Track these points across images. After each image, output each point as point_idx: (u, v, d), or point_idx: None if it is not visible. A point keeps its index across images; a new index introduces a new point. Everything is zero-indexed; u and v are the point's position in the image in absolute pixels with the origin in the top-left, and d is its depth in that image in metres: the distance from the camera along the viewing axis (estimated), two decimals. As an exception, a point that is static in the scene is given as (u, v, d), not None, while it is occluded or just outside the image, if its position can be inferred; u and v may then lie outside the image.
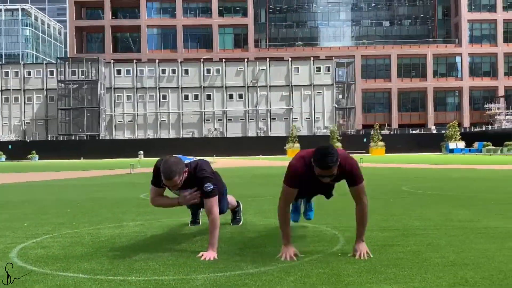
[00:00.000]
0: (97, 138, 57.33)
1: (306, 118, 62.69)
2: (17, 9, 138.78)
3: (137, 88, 61.73)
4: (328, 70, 62.88)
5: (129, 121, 61.63)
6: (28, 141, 52.64)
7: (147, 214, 6.26)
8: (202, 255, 3.69)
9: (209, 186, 3.91)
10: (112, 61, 63.90)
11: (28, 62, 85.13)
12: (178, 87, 61.95)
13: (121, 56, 70.92)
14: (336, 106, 63.39)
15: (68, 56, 75.50)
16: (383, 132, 55.38)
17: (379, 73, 74.60)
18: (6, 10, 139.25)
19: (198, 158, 4.19)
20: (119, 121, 61.65)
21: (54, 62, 70.85)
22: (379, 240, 4.29)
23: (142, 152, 47.51)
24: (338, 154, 3.52)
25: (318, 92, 62.62)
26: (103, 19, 73.39)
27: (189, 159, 4.07)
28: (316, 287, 2.88)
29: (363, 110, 74.28)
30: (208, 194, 3.91)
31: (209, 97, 62.25)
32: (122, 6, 75.75)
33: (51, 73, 60.80)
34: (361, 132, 62.85)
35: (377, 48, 74.34)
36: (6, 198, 9.11)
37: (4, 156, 45.68)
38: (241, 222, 5.32)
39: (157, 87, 61.72)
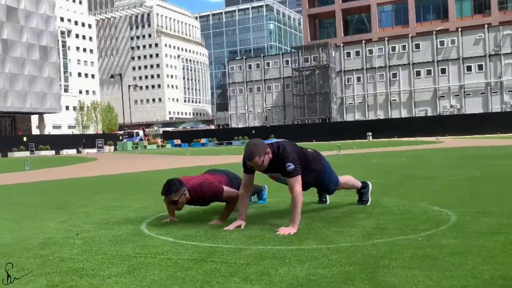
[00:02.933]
0: (328, 121, 59.70)
1: None
2: (261, 6, 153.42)
3: (366, 69, 61.85)
4: None
5: (359, 102, 62.34)
6: (268, 126, 58.20)
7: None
8: (280, 230, 3.89)
9: (290, 166, 4.04)
10: (342, 44, 65.30)
11: (267, 54, 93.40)
12: (409, 64, 59.76)
13: (352, 38, 71.78)
14: None
15: (300, 44, 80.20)
16: None
17: None
18: (252, 8, 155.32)
19: (282, 140, 4.35)
20: (349, 103, 62.90)
21: (289, 52, 76.05)
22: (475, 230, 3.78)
23: (370, 133, 47.62)
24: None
25: None
26: (333, 4, 75.24)
27: (272, 141, 4.26)
28: (301, 273, 2.84)
29: None
30: (289, 174, 4.04)
31: (443, 71, 58.35)
32: (352, -12, 76.39)
33: (287, 62, 65.65)
34: None
35: None
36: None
37: (249, 140, 51.56)
38: (368, 203, 5.23)
39: (387, 66, 60.70)
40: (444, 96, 58.52)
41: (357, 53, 62.52)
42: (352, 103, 62.68)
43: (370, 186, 5.32)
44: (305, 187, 4.44)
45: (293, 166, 4.05)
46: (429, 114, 57.95)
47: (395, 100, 60.57)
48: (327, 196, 5.43)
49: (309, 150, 4.51)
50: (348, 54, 62.98)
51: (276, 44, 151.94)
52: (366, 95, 61.76)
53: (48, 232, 4.33)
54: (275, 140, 4.32)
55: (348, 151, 20.99)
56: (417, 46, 59.78)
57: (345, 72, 62.90)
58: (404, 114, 59.57)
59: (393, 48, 60.67)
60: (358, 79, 62.31)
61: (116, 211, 5.52)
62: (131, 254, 3.38)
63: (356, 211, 4.86)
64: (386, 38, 62.45)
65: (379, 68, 61.23)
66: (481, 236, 3.48)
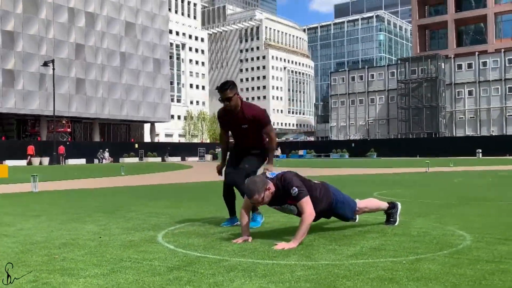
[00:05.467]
0: (434, 136, 56.70)
1: None
2: (371, 17, 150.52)
3: (479, 82, 57.92)
4: None
5: (470, 117, 58.51)
6: (369, 139, 56.70)
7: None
8: (278, 244, 3.93)
9: (294, 190, 4.05)
10: (453, 56, 61.88)
11: (374, 66, 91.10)
12: (528, 77, 54.91)
13: (465, 49, 67.72)
14: None
15: (410, 55, 77.25)
16: None
17: None
18: (362, 19, 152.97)
19: (284, 171, 4.34)
20: (459, 118, 59.29)
21: (395, 63, 73.67)
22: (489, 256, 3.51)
23: (480, 150, 44.48)
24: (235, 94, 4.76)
25: None
26: (446, 14, 71.66)
27: (274, 174, 4.25)
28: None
29: None
30: (296, 198, 4.06)
31: None
32: (467, -3, 72.24)
33: (392, 74, 63.64)
34: None
35: None
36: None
37: (347, 153, 50.71)
38: (396, 223, 5.08)
39: (503, 79, 56.36)
40: None
41: (469, 65, 58.76)
42: (462, 117, 58.93)
43: (399, 206, 5.18)
44: (323, 216, 4.56)
45: (297, 190, 4.06)
46: (551, 131, 52.72)
47: (511, 115, 55.93)
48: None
49: (315, 182, 4.47)
50: (459, 66, 59.42)
51: (386, 55, 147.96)
52: (478, 110, 57.74)
53: (78, 234, 4.77)
54: (279, 172, 4.32)
55: (441, 168, 19.89)
56: (539, 57, 54.80)
57: (456, 85, 59.37)
58: (522, 130, 54.82)
59: (510, 61, 56.15)
60: (470, 92, 58.48)
61: (154, 218, 5.89)
62: (124, 258, 3.62)
63: (372, 230, 4.74)
64: (502, 50, 58.00)
65: (493, 81, 57.00)
66: (473, 263, 3.27)
